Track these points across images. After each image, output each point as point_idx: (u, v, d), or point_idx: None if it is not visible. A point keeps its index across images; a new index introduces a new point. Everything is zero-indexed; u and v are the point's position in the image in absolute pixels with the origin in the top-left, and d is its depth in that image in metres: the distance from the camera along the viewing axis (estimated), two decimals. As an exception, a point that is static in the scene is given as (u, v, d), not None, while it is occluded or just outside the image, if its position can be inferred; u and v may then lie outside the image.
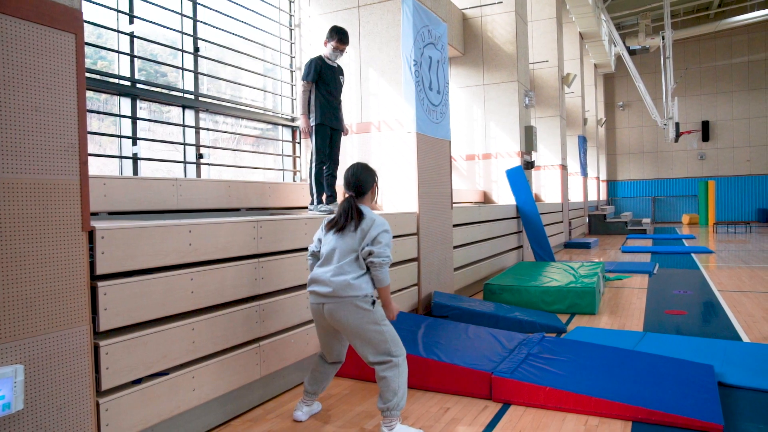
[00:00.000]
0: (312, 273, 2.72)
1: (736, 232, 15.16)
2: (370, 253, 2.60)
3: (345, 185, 2.80)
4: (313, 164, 4.32)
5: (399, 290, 4.66)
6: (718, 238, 13.55)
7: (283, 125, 5.58)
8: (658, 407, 2.72)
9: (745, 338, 4.28)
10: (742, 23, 18.25)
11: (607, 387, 2.96)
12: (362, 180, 2.77)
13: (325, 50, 4.37)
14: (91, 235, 2.16)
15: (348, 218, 2.67)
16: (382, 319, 2.65)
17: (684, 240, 12.99)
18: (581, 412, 2.86)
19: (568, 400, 2.89)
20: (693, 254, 9.97)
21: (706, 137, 20.46)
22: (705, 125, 20.47)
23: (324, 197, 4.34)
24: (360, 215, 2.68)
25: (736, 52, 20.13)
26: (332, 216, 2.79)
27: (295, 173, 5.69)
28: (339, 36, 4.31)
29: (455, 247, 5.98)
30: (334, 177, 4.39)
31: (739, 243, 12.08)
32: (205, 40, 4.57)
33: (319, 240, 2.80)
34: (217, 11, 4.70)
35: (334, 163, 4.44)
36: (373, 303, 2.63)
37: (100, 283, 2.19)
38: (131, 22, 3.92)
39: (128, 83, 3.87)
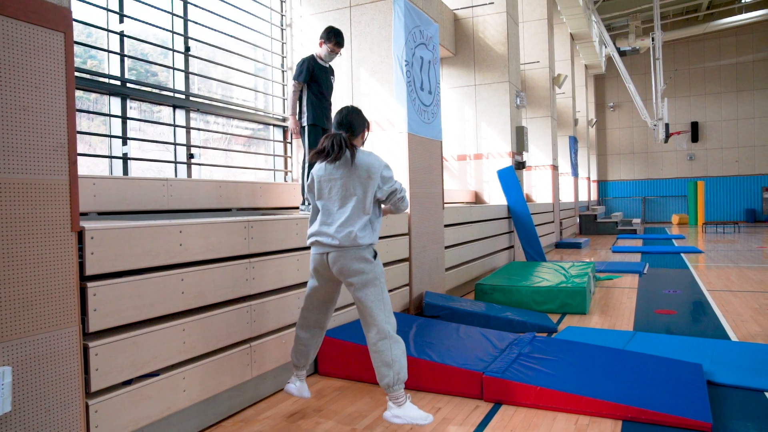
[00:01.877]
0: (316, 227, 2.74)
1: (724, 232, 15.30)
2: (391, 193, 2.73)
3: (335, 125, 2.80)
4: (305, 164, 4.31)
5: (390, 290, 4.67)
6: (707, 238, 13.67)
7: (274, 125, 5.57)
8: (648, 406, 2.74)
9: (733, 337, 4.32)
10: (730, 25, 18.45)
11: (597, 386, 2.98)
12: (354, 119, 2.79)
13: (319, 50, 4.36)
14: (80, 235, 2.15)
15: (341, 149, 2.67)
16: (381, 274, 2.73)
17: (674, 240, 13.09)
18: (572, 412, 2.87)
19: (559, 399, 2.91)
20: (682, 254, 10.05)
21: (695, 138, 20.64)
22: (694, 126, 20.65)
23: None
24: (354, 149, 2.70)
25: (725, 54, 20.32)
26: (322, 149, 2.75)
27: (286, 173, 5.68)
28: (337, 39, 4.29)
29: (446, 247, 5.99)
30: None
31: (727, 243, 12.19)
32: (196, 40, 4.55)
33: (312, 193, 2.83)
34: (208, 11, 4.68)
35: (326, 163, 4.43)
36: (375, 256, 2.71)
37: (89, 284, 2.17)
38: (121, 21, 3.90)
39: (118, 83, 3.85)
